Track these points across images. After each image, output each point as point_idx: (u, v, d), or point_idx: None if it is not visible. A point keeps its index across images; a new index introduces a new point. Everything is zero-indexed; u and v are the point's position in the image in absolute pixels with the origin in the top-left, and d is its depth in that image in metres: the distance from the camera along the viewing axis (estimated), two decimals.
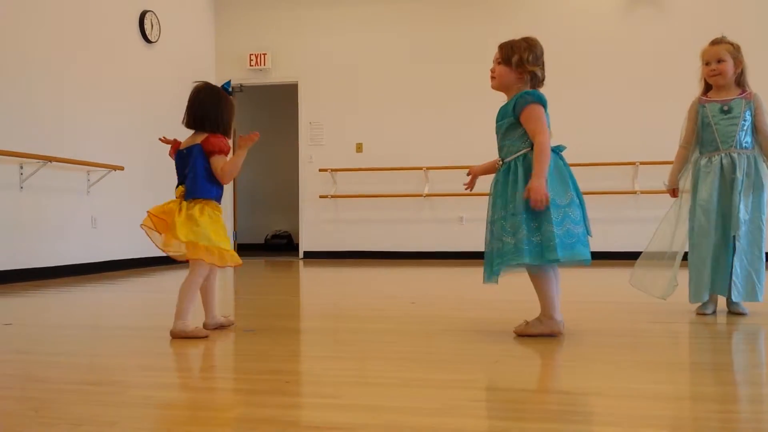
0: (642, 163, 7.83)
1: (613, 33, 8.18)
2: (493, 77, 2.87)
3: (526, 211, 2.68)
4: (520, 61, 2.78)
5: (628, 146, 7.85)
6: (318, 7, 9.01)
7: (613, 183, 7.91)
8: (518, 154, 2.77)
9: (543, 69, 2.83)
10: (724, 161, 3.32)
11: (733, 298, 3.31)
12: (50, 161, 5.90)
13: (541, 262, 2.69)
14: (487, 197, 2.90)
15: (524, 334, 2.78)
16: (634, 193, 8.01)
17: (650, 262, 3.52)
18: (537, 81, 2.82)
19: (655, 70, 7.82)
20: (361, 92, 8.88)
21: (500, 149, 2.86)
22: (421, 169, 8.58)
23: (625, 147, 7.84)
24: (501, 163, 2.84)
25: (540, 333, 2.77)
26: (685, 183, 3.51)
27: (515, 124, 2.79)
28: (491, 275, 2.80)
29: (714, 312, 3.42)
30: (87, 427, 1.65)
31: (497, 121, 2.87)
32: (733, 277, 3.28)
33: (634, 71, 7.99)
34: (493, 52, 2.88)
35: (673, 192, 3.54)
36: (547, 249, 2.66)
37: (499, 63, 2.84)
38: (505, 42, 2.86)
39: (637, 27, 8.18)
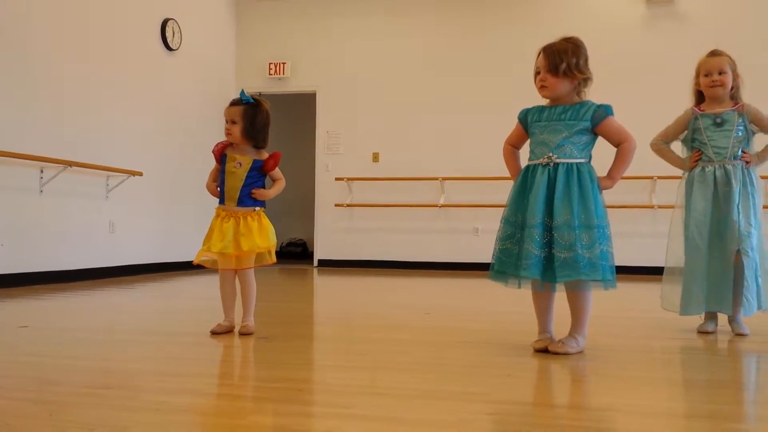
0: (660, 178, 7.78)
1: (633, 46, 8.16)
2: (544, 86, 2.74)
3: (599, 227, 2.65)
4: (569, 68, 2.70)
5: (646, 160, 7.77)
6: (337, 17, 9.07)
7: (631, 197, 7.86)
8: (579, 161, 2.71)
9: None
10: (718, 173, 3.27)
11: (745, 314, 3.24)
12: (70, 165, 5.97)
13: (605, 282, 2.66)
14: (502, 208, 2.87)
15: (561, 353, 2.69)
16: (652, 207, 7.96)
17: (672, 278, 3.45)
18: (589, 84, 2.78)
19: (675, 84, 7.75)
20: (378, 102, 8.91)
21: (556, 147, 2.71)
22: (437, 179, 8.58)
23: (642, 161, 7.75)
24: (551, 159, 2.71)
25: (578, 351, 2.73)
26: (678, 196, 3.46)
27: (586, 131, 2.73)
28: (536, 278, 2.69)
29: (715, 329, 3.35)
30: (101, 431, 1.67)
31: (554, 119, 2.73)
32: (745, 293, 3.19)
33: (653, 85, 7.95)
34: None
35: (695, 154, 3.34)
36: (611, 269, 2.66)
37: (547, 71, 2.73)
38: (550, 47, 2.75)
39: (657, 41, 8.15)
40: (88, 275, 6.33)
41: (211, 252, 3.12)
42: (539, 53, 2.79)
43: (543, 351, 2.76)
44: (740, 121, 3.27)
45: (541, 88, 2.77)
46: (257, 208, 3.18)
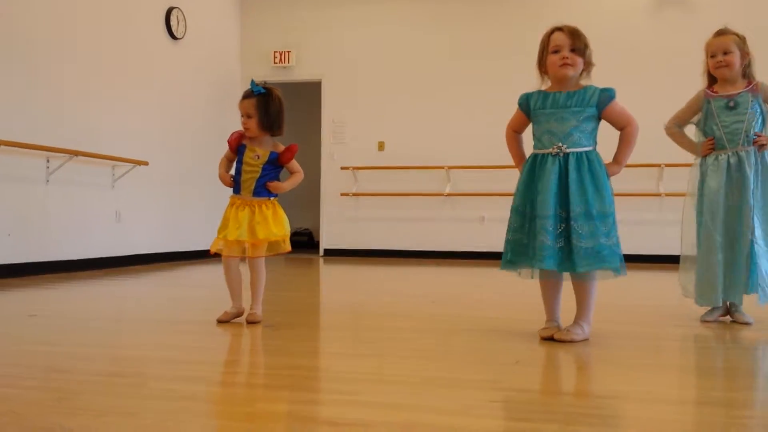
0: (667, 165, 7.75)
1: (640, 34, 8.11)
2: (570, 65, 2.70)
3: (612, 215, 2.67)
4: (588, 52, 2.73)
5: (653, 148, 7.74)
6: (342, 6, 9.03)
7: (638, 185, 7.83)
8: (587, 149, 2.71)
9: None
10: (732, 160, 3.21)
11: (760, 302, 3.22)
12: (76, 155, 5.98)
13: (620, 268, 2.68)
14: (508, 196, 2.86)
15: (566, 341, 2.69)
16: (659, 195, 7.93)
17: (688, 265, 3.40)
18: (591, 70, 2.79)
19: (682, 71, 7.71)
20: (384, 91, 8.88)
21: (565, 136, 2.71)
22: (442, 168, 8.56)
23: (649, 148, 7.71)
24: (561, 149, 2.70)
25: (583, 339, 2.73)
26: (690, 182, 3.41)
27: (593, 118, 2.72)
28: (552, 269, 2.67)
29: (718, 318, 3.31)
30: (109, 418, 1.67)
31: (560, 107, 2.71)
32: (760, 281, 3.15)
33: (660, 72, 7.90)
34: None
35: (708, 142, 3.29)
36: (620, 256, 2.68)
37: (572, 51, 2.70)
38: (572, 28, 2.74)
39: (664, 28, 8.09)
40: (95, 265, 6.35)
41: (227, 240, 3.12)
42: (552, 31, 2.77)
43: (549, 339, 2.75)
44: (754, 102, 3.21)
45: (564, 66, 2.71)
46: (272, 197, 3.19)
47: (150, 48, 7.32)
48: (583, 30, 2.80)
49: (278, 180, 3.21)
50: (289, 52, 9.10)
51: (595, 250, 2.62)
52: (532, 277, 2.82)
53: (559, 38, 2.73)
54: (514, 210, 2.82)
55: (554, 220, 2.67)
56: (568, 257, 2.67)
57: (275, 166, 3.19)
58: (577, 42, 2.71)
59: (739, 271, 3.19)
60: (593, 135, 2.76)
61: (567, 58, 2.70)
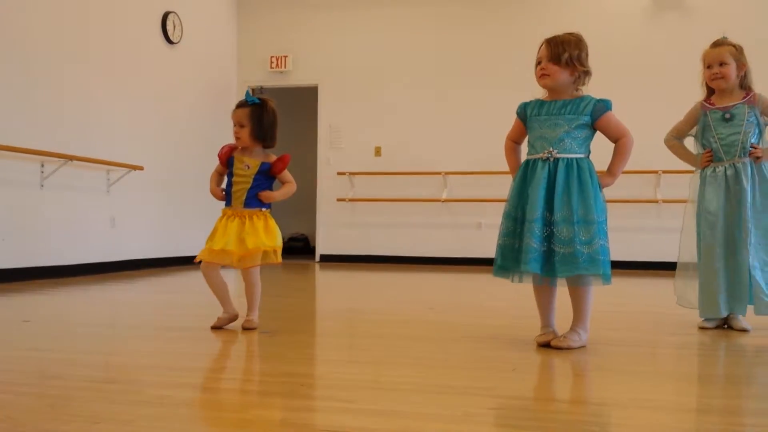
0: (665, 172, 7.76)
1: (638, 38, 8.12)
2: (546, 75, 2.73)
3: (598, 222, 2.65)
4: (570, 59, 2.70)
5: (651, 154, 7.75)
6: (339, 10, 9.03)
7: (635, 192, 7.83)
8: (579, 156, 2.72)
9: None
10: (729, 172, 3.21)
11: (756, 313, 3.20)
12: (71, 160, 5.96)
13: (604, 276, 2.66)
14: (504, 203, 2.85)
15: (564, 348, 2.69)
16: (656, 202, 7.93)
17: (686, 273, 3.40)
18: (587, 79, 2.78)
19: (680, 76, 7.71)
20: (381, 96, 8.88)
21: (556, 142, 2.71)
22: (439, 173, 8.56)
23: (647, 155, 7.73)
24: (552, 153, 2.71)
25: (580, 345, 2.72)
26: (691, 189, 3.42)
27: (586, 126, 2.73)
28: (536, 273, 2.67)
29: (715, 326, 3.30)
30: (104, 425, 1.66)
31: (554, 114, 2.73)
32: (760, 294, 3.14)
33: (658, 76, 7.91)
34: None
35: (706, 154, 3.29)
36: (609, 263, 2.67)
37: (548, 60, 2.72)
38: (553, 38, 2.76)
39: (662, 32, 8.09)
40: (89, 270, 6.32)
41: (212, 249, 3.09)
42: (541, 45, 2.80)
43: (546, 345, 2.75)
44: (751, 113, 3.20)
45: (542, 76, 2.76)
46: (263, 209, 3.15)
47: (146, 52, 7.31)
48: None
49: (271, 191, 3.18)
50: (285, 56, 9.09)
51: (573, 256, 2.62)
52: (521, 281, 2.81)
53: (541, 51, 2.79)
54: (506, 215, 2.82)
55: (541, 224, 2.68)
56: (550, 261, 2.68)
57: (267, 176, 3.15)
58: (554, 51, 2.72)
59: (742, 283, 3.18)
60: (586, 143, 2.76)
61: (543, 68, 2.75)
